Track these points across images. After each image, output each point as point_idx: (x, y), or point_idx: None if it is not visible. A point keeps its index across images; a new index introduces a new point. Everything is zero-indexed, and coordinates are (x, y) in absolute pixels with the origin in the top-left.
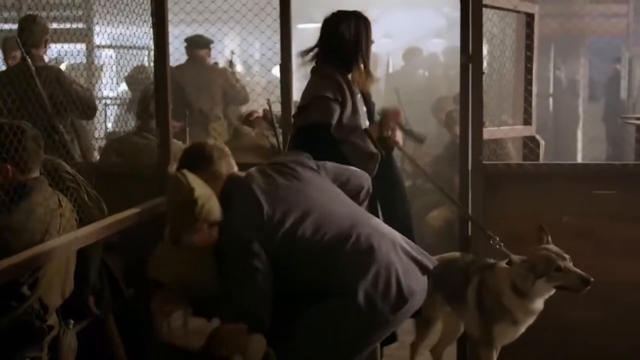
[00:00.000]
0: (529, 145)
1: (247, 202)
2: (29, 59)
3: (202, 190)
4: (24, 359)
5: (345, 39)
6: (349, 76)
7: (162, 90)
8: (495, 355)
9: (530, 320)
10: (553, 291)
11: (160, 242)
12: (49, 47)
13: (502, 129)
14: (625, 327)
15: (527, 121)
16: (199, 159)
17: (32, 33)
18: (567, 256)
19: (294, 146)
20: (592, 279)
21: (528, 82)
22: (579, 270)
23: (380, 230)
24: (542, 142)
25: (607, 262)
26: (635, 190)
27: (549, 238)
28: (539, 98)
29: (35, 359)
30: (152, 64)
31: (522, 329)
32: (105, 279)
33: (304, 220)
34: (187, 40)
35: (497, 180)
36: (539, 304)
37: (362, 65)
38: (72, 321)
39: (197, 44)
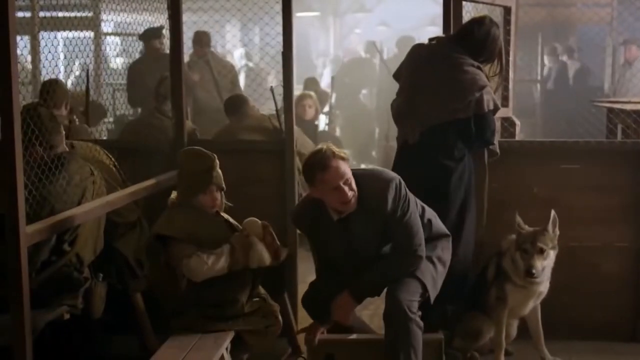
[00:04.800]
0: (505, 125)
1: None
2: None
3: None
4: (61, 305)
5: (498, 39)
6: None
7: (177, 75)
8: (505, 316)
9: (538, 287)
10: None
11: (166, 209)
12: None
13: None
14: (588, 286)
15: (504, 104)
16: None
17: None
18: (544, 245)
19: (454, 131)
20: (533, 272)
21: (505, 69)
22: (533, 261)
23: None
24: (517, 123)
25: (573, 228)
26: (597, 164)
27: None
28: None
29: (71, 306)
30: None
31: (532, 294)
32: (122, 262)
33: None
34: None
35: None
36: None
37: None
38: (101, 275)
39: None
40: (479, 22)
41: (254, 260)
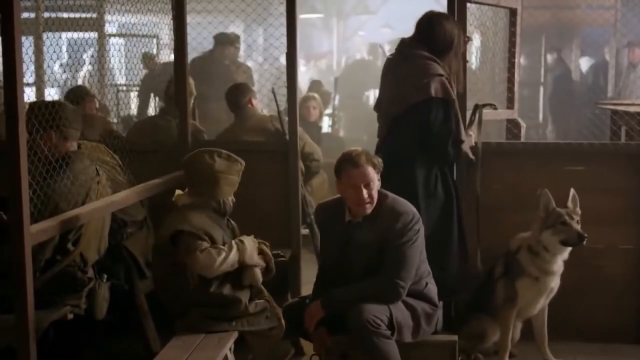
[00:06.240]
0: (509, 126)
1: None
2: None
3: None
4: (65, 305)
5: (451, 34)
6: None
7: (181, 77)
8: (512, 317)
9: (551, 282)
10: (564, 250)
11: (176, 209)
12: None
13: (486, 112)
14: (593, 288)
15: (509, 106)
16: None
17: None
18: (576, 217)
19: (409, 122)
20: (586, 235)
21: (510, 71)
22: (577, 227)
23: None
24: (522, 124)
25: None
26: (601, 166)
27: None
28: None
29: (75, 306)
30: (159, 51)
31: (544, 289)
32: (130, 261)
33: None
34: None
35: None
36: (553, 264)
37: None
38: (105, 275)
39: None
40: (423, 16)
41: (246, 279)
